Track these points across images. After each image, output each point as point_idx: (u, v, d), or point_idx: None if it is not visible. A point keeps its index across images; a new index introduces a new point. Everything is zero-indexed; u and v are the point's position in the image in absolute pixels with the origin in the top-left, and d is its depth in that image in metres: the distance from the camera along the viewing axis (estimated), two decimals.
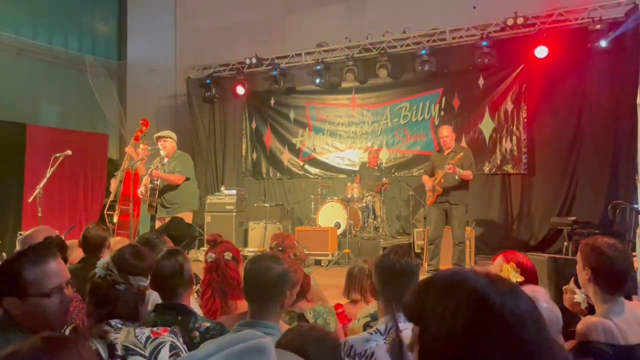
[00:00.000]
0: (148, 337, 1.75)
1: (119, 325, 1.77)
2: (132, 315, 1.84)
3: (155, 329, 1.83)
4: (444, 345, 0.80)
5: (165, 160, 6.11)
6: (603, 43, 7.54)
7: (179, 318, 2.12)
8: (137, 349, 1.70)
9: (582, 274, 2.21)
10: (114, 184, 6.42)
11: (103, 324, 1.76)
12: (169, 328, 1.87)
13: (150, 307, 2.16)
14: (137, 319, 1.88)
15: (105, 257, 1.90)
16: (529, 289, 1.81)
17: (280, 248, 3.19)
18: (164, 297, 2.23)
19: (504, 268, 2.24)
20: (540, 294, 1.92)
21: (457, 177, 6.20)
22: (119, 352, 1.67)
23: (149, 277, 1.96)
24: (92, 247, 3.26)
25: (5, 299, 1.68)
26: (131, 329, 1.76)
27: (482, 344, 0.78)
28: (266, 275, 2.03)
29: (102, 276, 1.84)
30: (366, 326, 2.29)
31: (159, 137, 6.20)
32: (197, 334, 2.07)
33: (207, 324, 2.13)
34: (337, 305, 3.07)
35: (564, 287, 2.40)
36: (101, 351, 1.65)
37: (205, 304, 2.72)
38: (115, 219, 5.90)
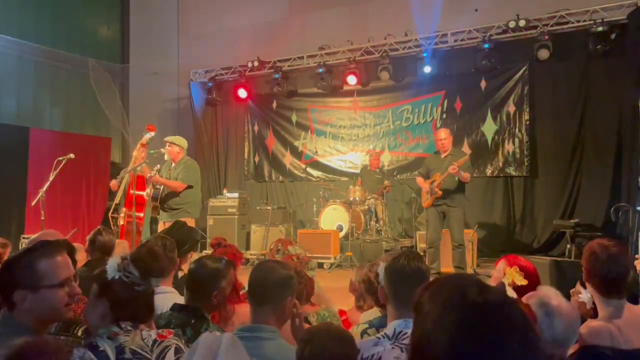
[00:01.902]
0: (155, 341, 1.76)
1: (129, 328, 1.77)
2: (148, 316, 1.86)
3: (160, 331, 1.85)
4: (431, 339, 0.84)
5: (172, 165, 6.10)
6: (605, 45, 7.54)
7: (193, 321, 2.15)
8: (144, 353, 1.71)
9: (583, 274, 2.26)
10: (114, 184, 6.43)
11: (113, 326, 1.76)
12: (173, 330, 1.89)
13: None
14: (151, 319, 1.90)
15: (115, 258, 1.87)
16: (540, 292, 1.81)
17: (278, 248, 3.20)
18: (189, 295, 2.29)
19: (508, 272, 2.23)
20: (552, 295, 1.90)
21: (456, 179, 6.21)
22: (127, 355, 1.68)
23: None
24: (103, 251, 3.26)
25: (16, 292, 1.72)
26: (138, 332, 1.77)
27: (467, 342, 0.82)
28: (268, 278, 2.04)
29: (115, 278, 1.83)
30: (363, 333, 2.27)
31: (166, 142, 6.19)
32: None
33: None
34: (341, 312, 3.04)
35: (570, 291, 2.39)
36: (109, 353, 1.66)
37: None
38: (121, 222, 5.91)
